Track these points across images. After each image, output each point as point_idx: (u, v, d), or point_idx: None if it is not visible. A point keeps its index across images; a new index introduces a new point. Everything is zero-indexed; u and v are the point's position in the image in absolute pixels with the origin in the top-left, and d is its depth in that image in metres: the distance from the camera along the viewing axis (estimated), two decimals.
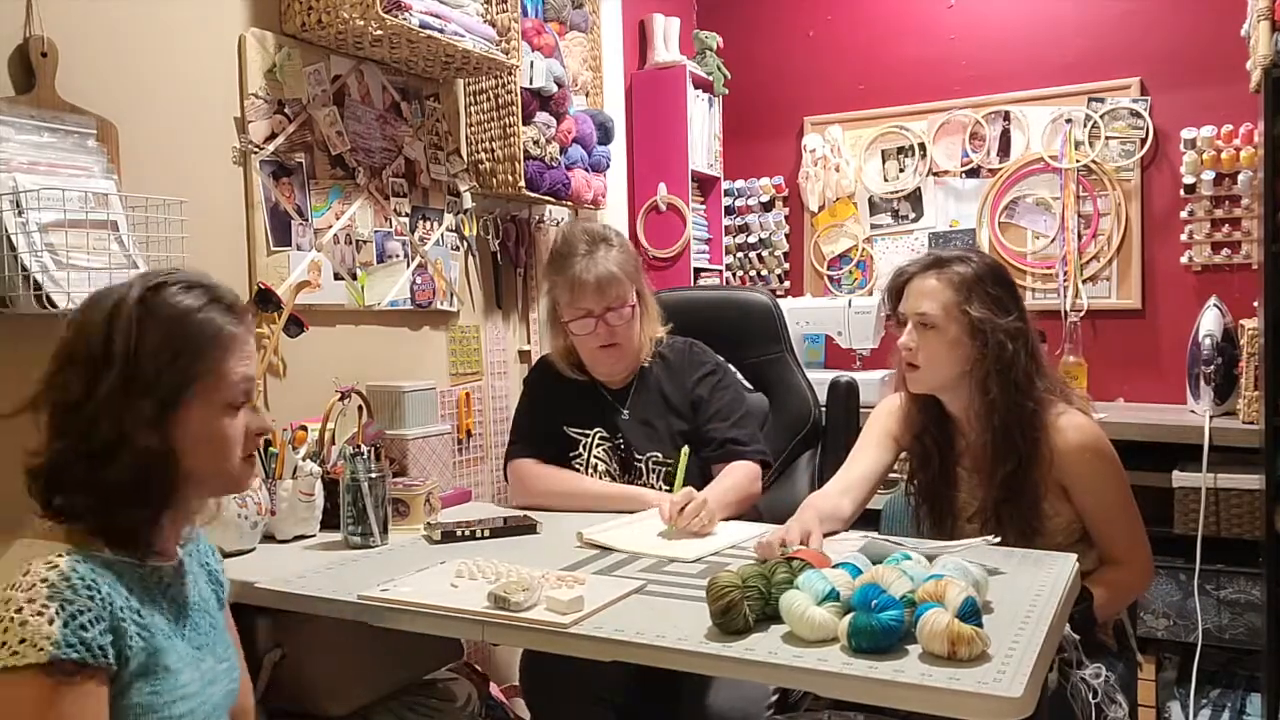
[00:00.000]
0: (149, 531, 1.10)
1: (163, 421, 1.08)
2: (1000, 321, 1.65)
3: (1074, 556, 1.46)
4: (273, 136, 2.03)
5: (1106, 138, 3.20)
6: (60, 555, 1.02)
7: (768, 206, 3.79)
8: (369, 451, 1.68)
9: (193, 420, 1.11)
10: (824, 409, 2.22)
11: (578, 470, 1.98)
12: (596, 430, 1.98)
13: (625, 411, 1.99)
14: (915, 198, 3.53)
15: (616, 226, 3.19)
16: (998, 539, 1.46)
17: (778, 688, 1.69)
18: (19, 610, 0.97)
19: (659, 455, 1.94)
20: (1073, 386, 1.82)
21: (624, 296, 1.91)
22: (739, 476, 1.87)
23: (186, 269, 1.21)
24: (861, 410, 2.22)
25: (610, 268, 1.89)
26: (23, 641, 0.96)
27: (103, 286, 1.18)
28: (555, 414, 2.02)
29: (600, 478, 1.96)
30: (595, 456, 1.98)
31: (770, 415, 2.21)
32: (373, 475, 1.65)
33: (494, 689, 2.16)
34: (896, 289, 1.75)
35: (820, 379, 2.27)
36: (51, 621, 0.97)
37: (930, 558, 1.31)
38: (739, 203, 3.80)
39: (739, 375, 2.17)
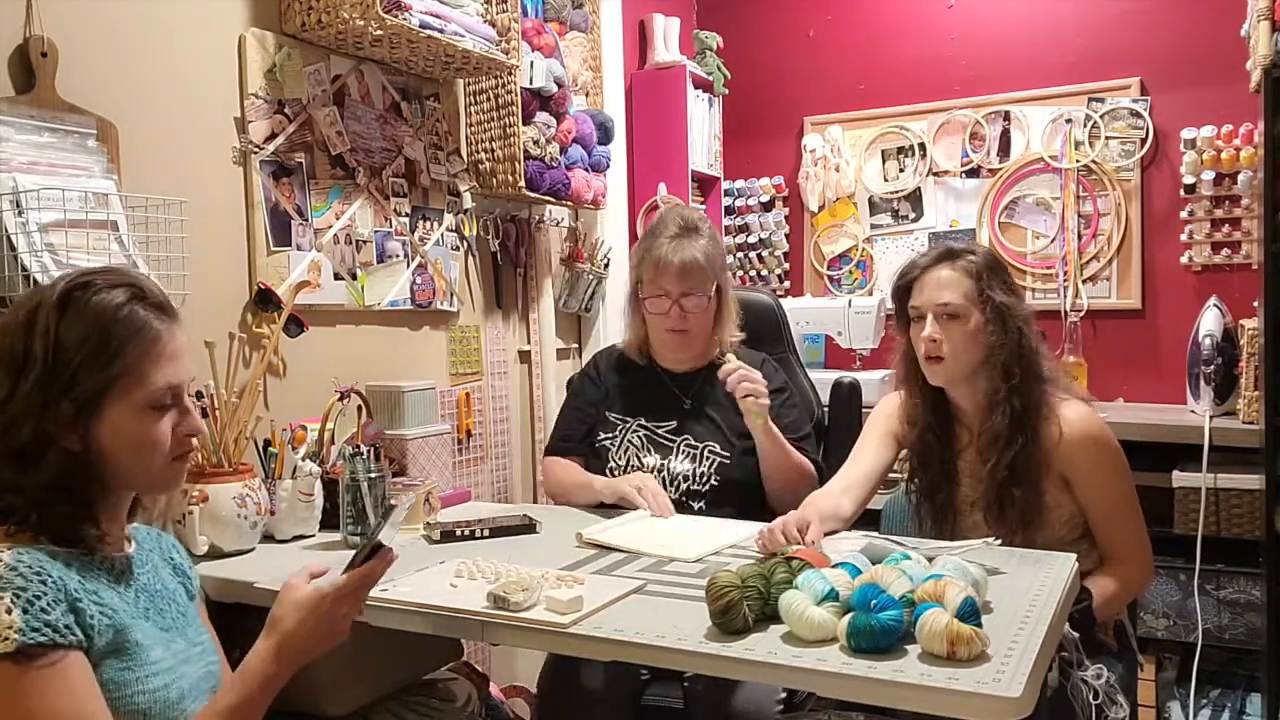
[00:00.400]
0: (85, 528, 1.10)
1: (84, 422, 1.08)
2: (1018, 306, 1.69)
3: (1073, 556, 1.46)
4: (273, 136, 2.03)
5: (1106, 138, 3.20)
6: (5, 548, 1.03)
7: (768, 206, 3.79)
8: (368, 451, 1.68)
9: (114, 421, 1.09)
10: (826, 409, 2.22)
11: (607, 450, 2.00)
12: (640, 419, 2.01)
13: (688, 401, 2.01)
14: (915, 198, 3.53)
15: (616, 226, 3.22)
16: (999, 540, 1.46)
17: (786, 687, 1.69)
18: None
19: (715, 446, 1.95)
20: (1073, 382, 1.82)
21: (703, 285, 1.94)
22: (803, 463, 1.92)
23: (121, 267, 1.19)
24: (864, 410, 2.22)
25: (696, 254, 1.93)
26: None
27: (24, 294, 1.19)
28: (603, 402, 2.05)
29: (628, 463, 1.98)
30: (629, 441, 2.00)
31: None
32: (372, 475, 1.65)
33: (493, 689, 2.16)
34: (907, 285, 1.75)
35: (822, 379, 2.28)
36: (9, 611, 0.97)
37: (929, 558, 1.31)
38: (739, 203, 3.80)
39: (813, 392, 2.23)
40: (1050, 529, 1.66)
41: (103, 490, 1.11)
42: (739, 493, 1.91)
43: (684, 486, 1.93)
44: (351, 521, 1.66)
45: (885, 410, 1.86)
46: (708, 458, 1.94)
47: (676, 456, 1.95)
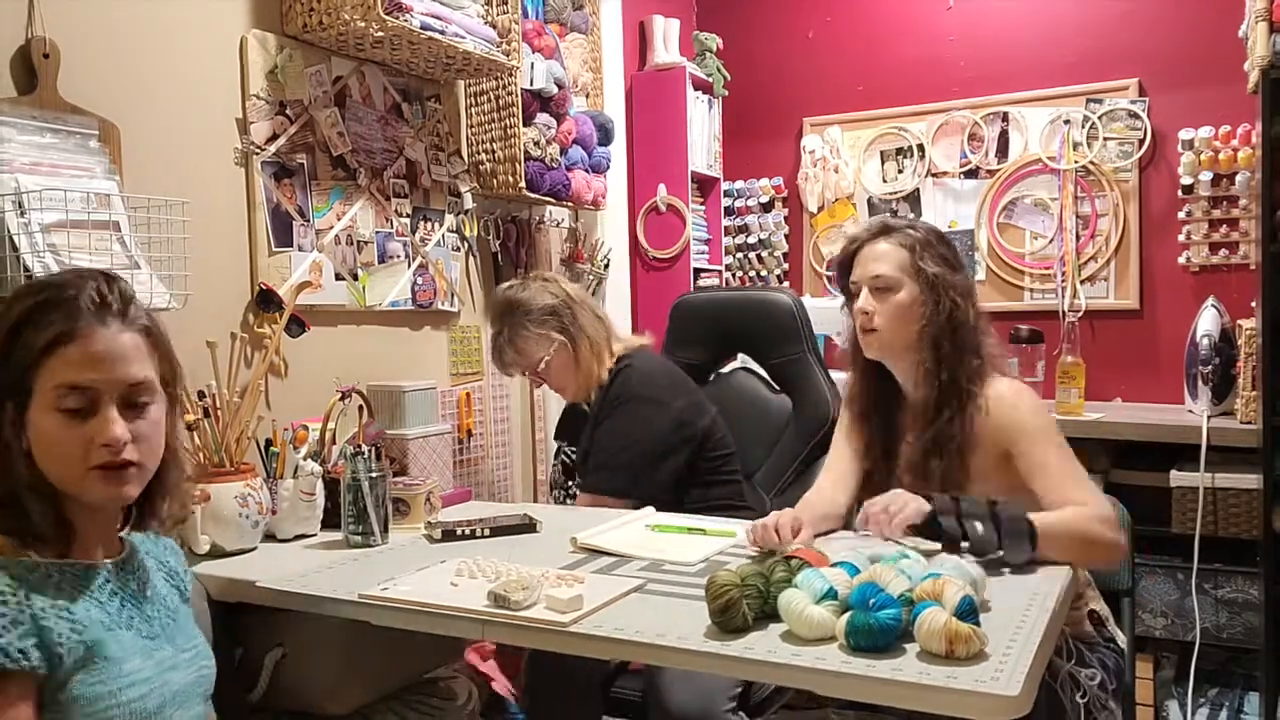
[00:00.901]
0: (57, 531, 1.08)
1: (17, 422, 1.06)
2: (952, 278, 1.66)
3: None
4: (274, 137, 2.03)
5: (1105, 138, 3.20)
6: None
7: (767, 207, 3.80)
8: (369, 451, 1.68)
9: (32, 424, 1.06)
10: None
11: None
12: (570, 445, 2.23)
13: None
14: (914, 198, 3.54)
15: (616, 227, 3.22)
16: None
17: (742, 682, 1.70)
18: None
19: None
20: (1006, 366, 1.77)
21: (518, 370, 2.21)
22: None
23: (92, 269, 1.15)
24: None
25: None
26: None
27: None
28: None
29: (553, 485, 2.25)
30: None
31: (793, 417, 2.22)
32: (373, 475, 1.66)
33: (501, 685, 2.16)
34: (847, 259, 1.74)
35: (838, 380, 2.26)
36: None
37: (928, 555, 1.32)
38: (738, 203, 3.81)
39: (766, 377, 2.21)
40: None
41: (54, 491, 1.08)
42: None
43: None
44: (353, 521, 1.66)
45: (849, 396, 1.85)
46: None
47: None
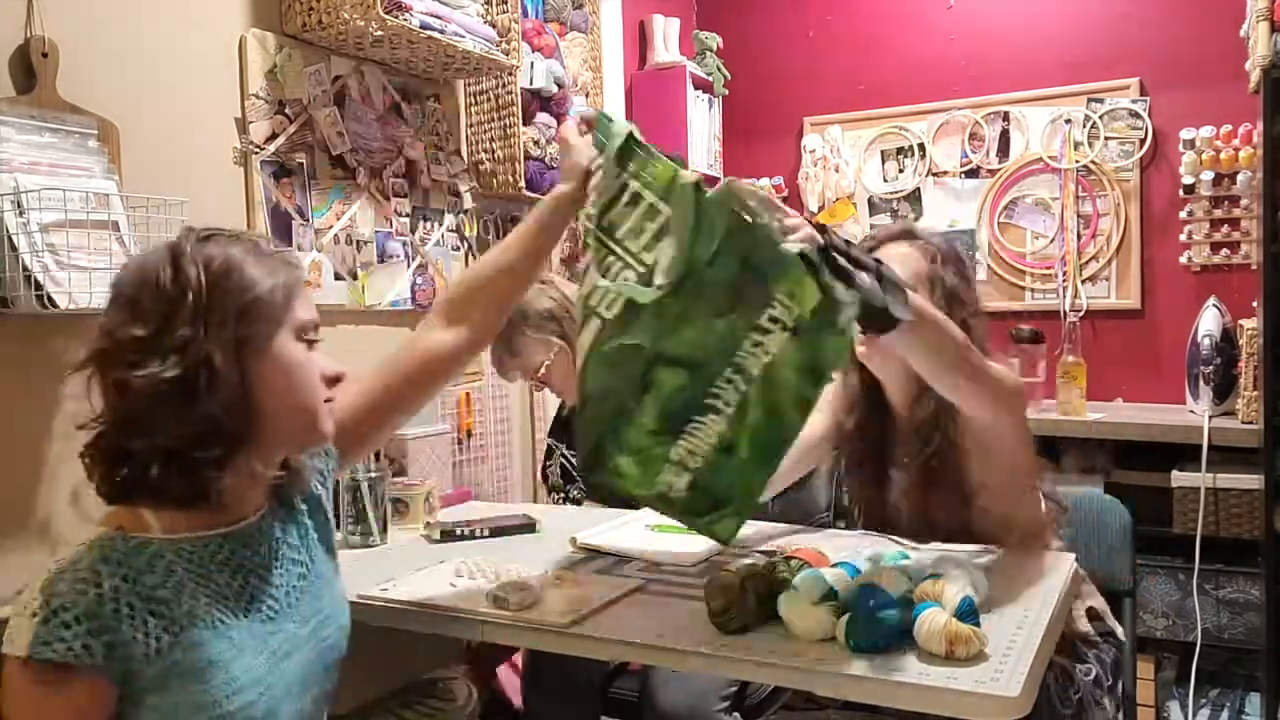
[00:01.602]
0: (213, 481, 1.03)
1: (242, 354, 1.03)
2: (967, 295, 1.60)
3: (1072, 555, 1.46)
4: (273, 137, 2.03)
5: (1106, 138, 3.20)
6: (88, 543, 0.98)
7: None
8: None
9: (273, 354, 1.05)
10: None
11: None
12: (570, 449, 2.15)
13: None
14: (915, 198, 3.54)
15: None
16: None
17: (735, 681, 1.69)
18: (33, 598, 0.95)
19: None
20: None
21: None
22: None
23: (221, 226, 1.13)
24: None
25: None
26: (15, 630, 0.94)
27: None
28: None
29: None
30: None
31: None
32: (372, 475, 1.66)
33: (504, 684, 2.16)
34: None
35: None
36: (34, 615, 0.94)
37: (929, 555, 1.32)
38: None
39: None
40: (980, 530, 1.56)
41: (250, 432, 1.04)
42: None
43: None
44: (351, 521, 1.66)
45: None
46: None
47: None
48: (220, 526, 1.07)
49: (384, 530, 1.67)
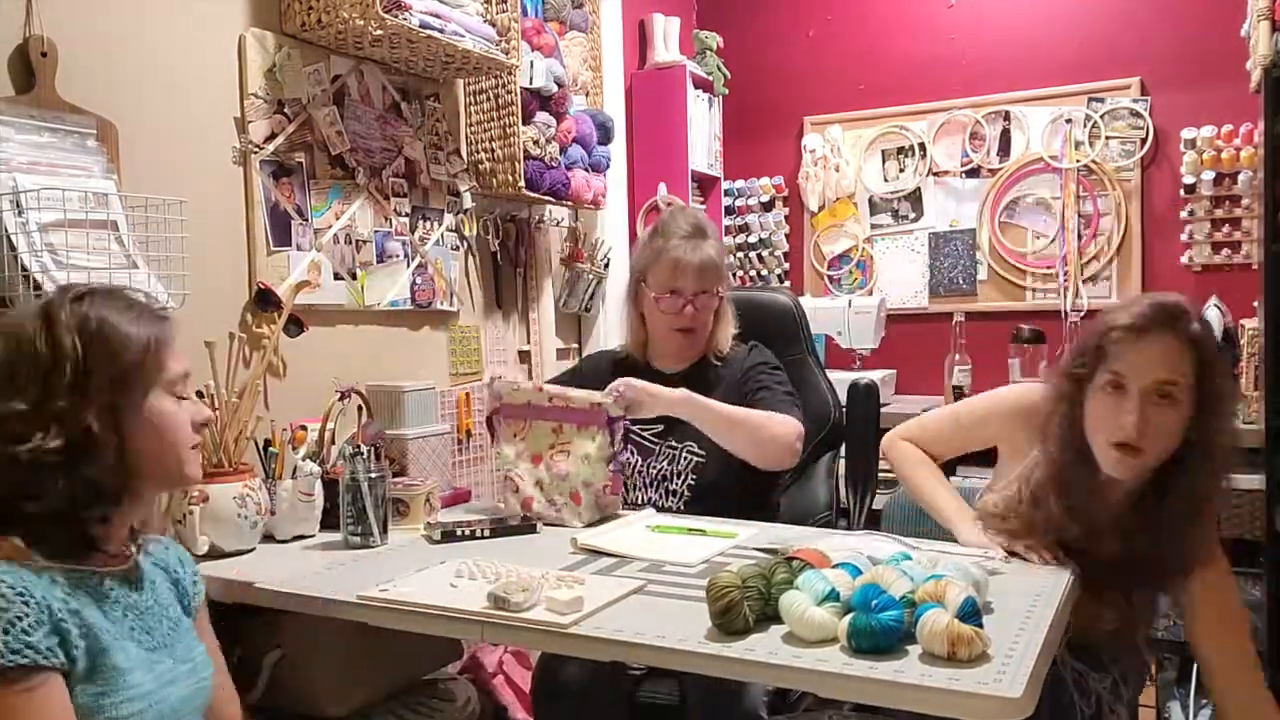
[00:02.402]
0: (97, 534, 1.10)
1: (118, 418, 1.09)
2: (1231, 393, 1.38)
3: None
4: (273, 136, 2.03)
5: (1106, 137, 3.20)
6: None
7: (768, 206, 3.79)
8: (369, 451, 1.68)
9: (146, 409, 1.12)
10: (844, 409, 2.20)
11: None
12: (627, 421, 1.97)
13: None
14: (915, 198, 3.53)
15: (616, 226, 3.22)
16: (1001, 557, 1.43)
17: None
18: None
19: (694, 446, 1.93)
20: None
21: (716, 285, 1.98)
22: (764, 414, 1.86)
23: (94, 282, 1.22)
24: (881, 410, 2.21)
25: (711, 254, 1.96)
26: None
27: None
28: None
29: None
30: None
31: None
32: (372, 475, 1.65)
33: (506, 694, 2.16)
34: (1113, 343, 1.37)
35: (837, 380, 2.25)
36: None
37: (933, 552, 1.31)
38: (739, 202, 3.80)
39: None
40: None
41: (127, 485, 1.11)
42: (715, 492, 1.90)
43: (663, 487, 1.94)
44: (352, 521, 1.65)
45: (1021, 407, 1.57)
46: (685, 458, 1.93)
47: (657, 458, 1.95)
48: (96, 564, 1.13)
49: (384, 531, 1.67)
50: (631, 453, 1.96)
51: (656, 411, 1.82)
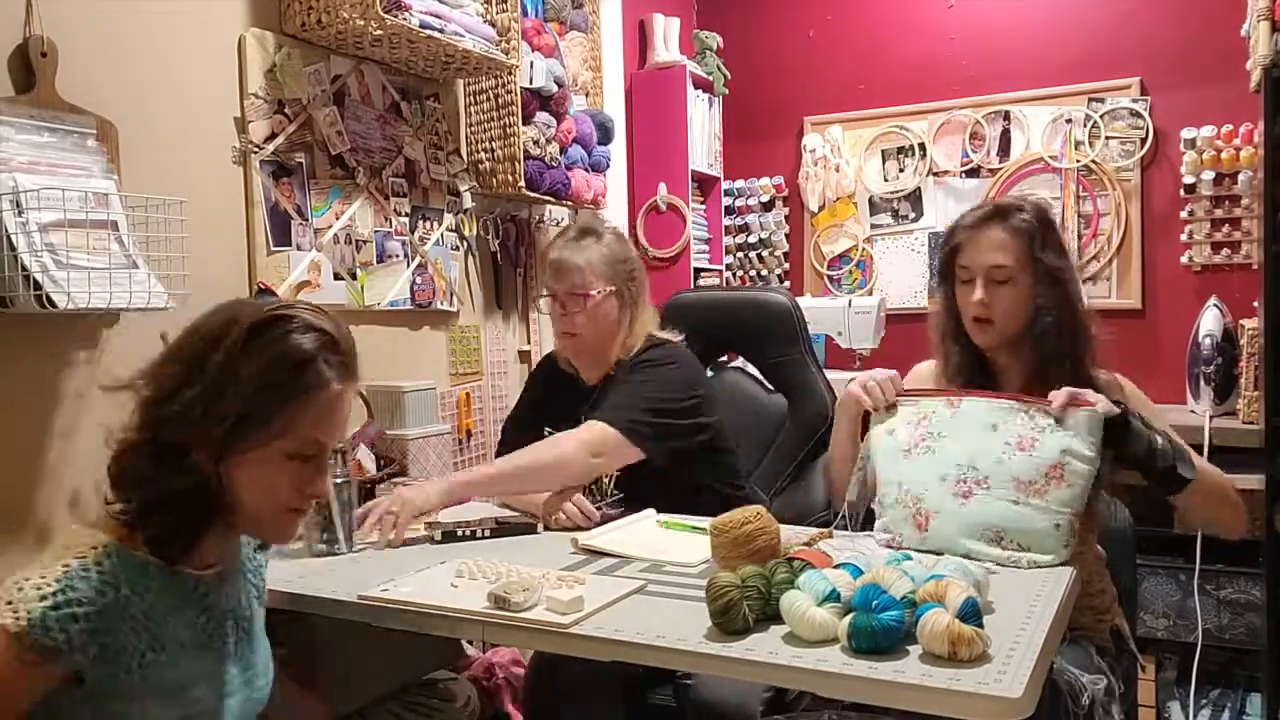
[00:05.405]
0: (185, 543, 1.10)
1: (224, 450, 1.07)
2: (1069, 270, 1.64)
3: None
4: (273, 136, 2.03)
5: (1106, 138, 3.20)
6: (101, 545, 1.03)
7: (768, 206, 3.79)
8: (337, 455, 1.66)
9: (250, 460, 1.09)
10: None
11: None
12: (550, 431, 1.95)
13: (583, 412, 1.92)
14: (915, 198, 3.53)
15: (617, 226, 3.21)
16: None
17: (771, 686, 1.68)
18: (28, 577, 0.99)
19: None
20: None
21: (583, 286, 1.89)
22: (549, 442, 1.81)
23: (322, 309, 1.16)
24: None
25: (576, 257, 1.90)
26: (9, 604, 0.98)
27: (236, 299, 1.20)
28: (540, 413, 2.03)
29: None
30: None
31: (788, 418, 2.20)
32: (338, 480, 1.62)
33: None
34: (956, 243, 1.69)
35: (837, 380, 2.24)
36: (43, 599, 0.98)
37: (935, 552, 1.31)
38: (739, 202, 3.80)
39: (759, 378, 2.15)
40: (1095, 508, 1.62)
41: (215, 515, 1.11)
42: (645, 484, 1.86)
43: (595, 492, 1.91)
44: (318, 529, 1.61)
45: (916, 379, 1.82)
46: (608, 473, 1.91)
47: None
48: (193, 568, 1.13)
49: (349, 539, 1.63)
50: None
51: (434, 508, 1.74)
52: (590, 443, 1.78)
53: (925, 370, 1.83)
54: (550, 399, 2.03)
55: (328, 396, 1.11)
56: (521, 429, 2.02)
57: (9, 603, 0.98)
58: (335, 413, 1.13)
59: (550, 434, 1.93)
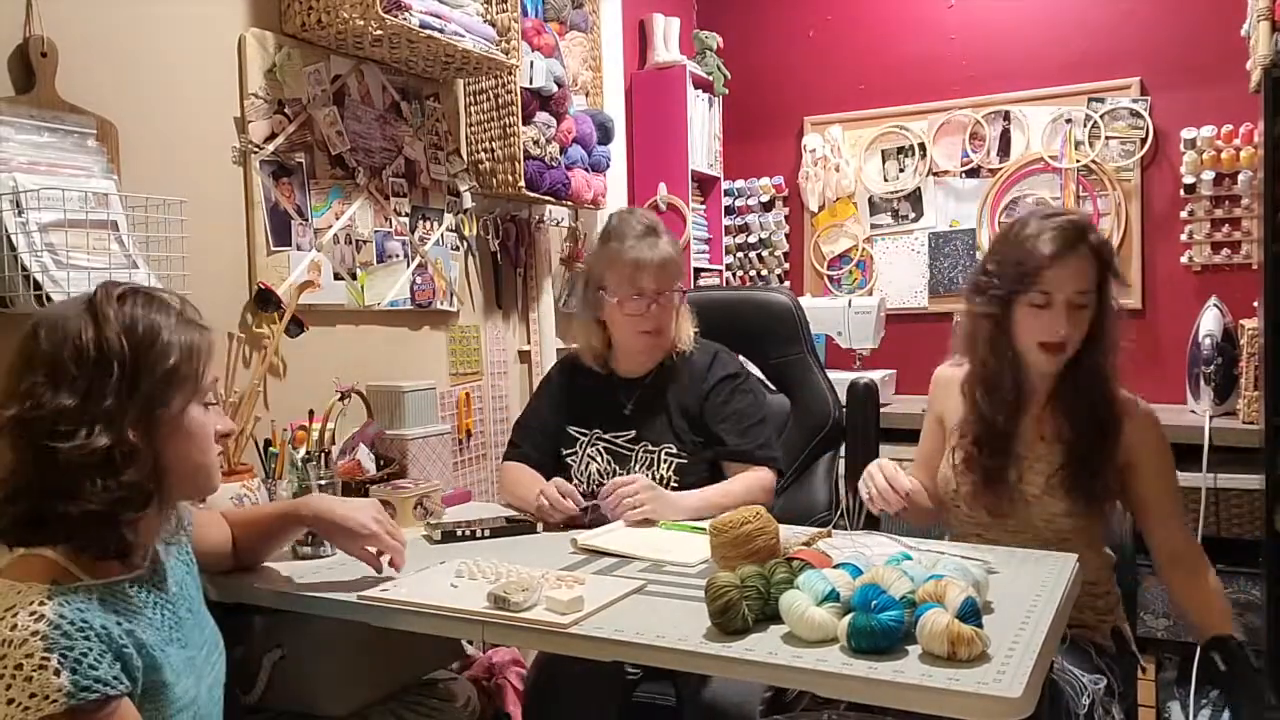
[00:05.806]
0: (124, 541, 1.09)
1: (156, 420, 1.09)
2: (1122, 292, 1.68)
3: (1074, 556, 1.46)
4: (273, 136, 2.03)
5: (1106, 138, 3.20)
6: (42, 601, 0.99)
7: (768, 206, 3.79)
8: (319, 457, 1.65)
9: (183, 424, 1.12)
10: (844, 410, 2.19)
11: (570, 466, 1.97)
12: (596, 430, 1.97)
13: (629, 406, 1.96)
14: (915, 198, 3.53)
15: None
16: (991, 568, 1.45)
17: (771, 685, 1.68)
18: (19, 667, 0.95)
19: (671, 448, 1.91)
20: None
21: (676, 283, 1.95)
22: (748, 482, 1.85)
23: (136, 283, 1.20)
24: (880, 410, 2.21)
25: (670, 252, 1.94)
26: (33, 696, 0.95)
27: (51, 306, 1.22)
28: (562, 414, 2.02)
29: (591, 476, 1.94)
30: (588, 455, 1.96)
31: (791, 417, 2.21)
32: (321, 482, 1.62)
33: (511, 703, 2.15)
34: (1037, 267, 1.60)
35: (837, 379, 2.24)
36: (58, 673, 0.96)
37: (934, 552, 1.31)
38: (739, 202, 3.80)
39: (761, 377, 2.17)
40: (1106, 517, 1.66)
41: (159, 497, 1.11)
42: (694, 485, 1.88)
43: None
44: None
45: (939, 385, 1.86)
46: (665, 460, 1.91)
47: (635, 464, 1.92)
48: (128, 570, 1.13)
49: None
50: (607, 462, 1.94)
51: (681, 517, 1.77)
52: (774, 482, 1.90)
53: (947, 375, 1.84)
54: (575, 400, 2.02)
55: (211, 343, 1.17)
56: (536, 434, 2.02)
57: (33, 696, 0.95)
58: (214, 357, 1.19)
59: (578, 434, 1.97)
